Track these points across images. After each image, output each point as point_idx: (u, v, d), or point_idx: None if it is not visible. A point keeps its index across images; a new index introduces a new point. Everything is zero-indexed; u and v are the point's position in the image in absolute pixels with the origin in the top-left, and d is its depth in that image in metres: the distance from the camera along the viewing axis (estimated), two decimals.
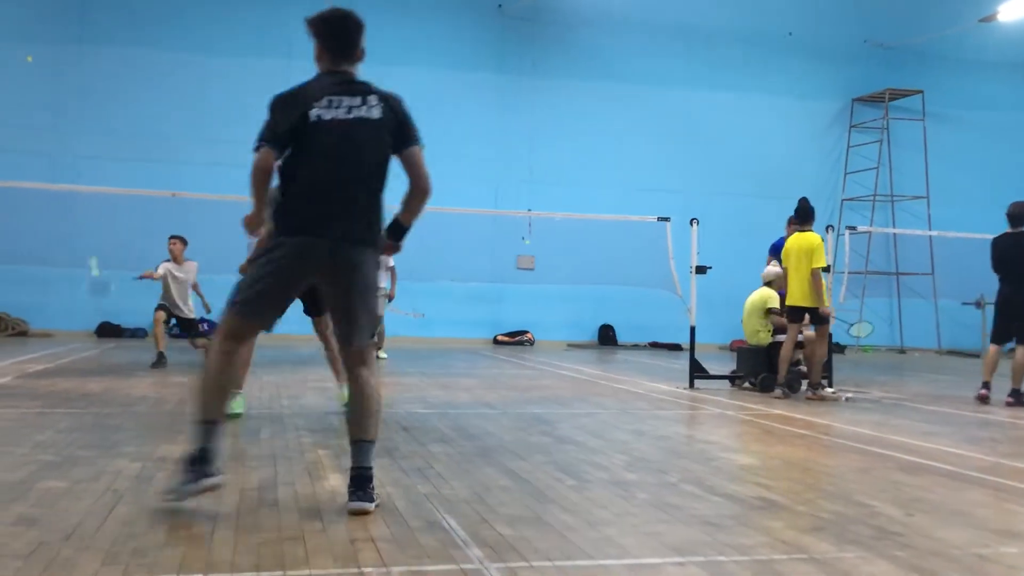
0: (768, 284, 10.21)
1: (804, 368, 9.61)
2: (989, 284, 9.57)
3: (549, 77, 19.39)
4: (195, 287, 11.25)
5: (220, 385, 3.90)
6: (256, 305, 3.90)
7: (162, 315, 10.92)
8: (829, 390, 9.40)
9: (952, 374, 13.92)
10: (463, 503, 4.12)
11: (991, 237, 9.63)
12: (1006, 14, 19.19)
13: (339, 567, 3.13)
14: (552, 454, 5.51)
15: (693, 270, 10.39)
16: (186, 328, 11.24)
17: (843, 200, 20.56)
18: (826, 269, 9.44)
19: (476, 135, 18.77)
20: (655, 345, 18.99)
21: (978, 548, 3.63)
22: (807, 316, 9.22)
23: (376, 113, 4.06)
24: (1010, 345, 9.13)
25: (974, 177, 20.83)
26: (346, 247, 3.86)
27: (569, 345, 18.65)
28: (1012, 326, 9.11)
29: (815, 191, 11.21)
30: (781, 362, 9.29)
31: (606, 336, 19.30)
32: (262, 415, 6.82)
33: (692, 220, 10.64)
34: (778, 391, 9.26)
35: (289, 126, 3.88)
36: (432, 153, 16.98)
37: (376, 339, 13.25)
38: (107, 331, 16.78)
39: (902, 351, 19.69)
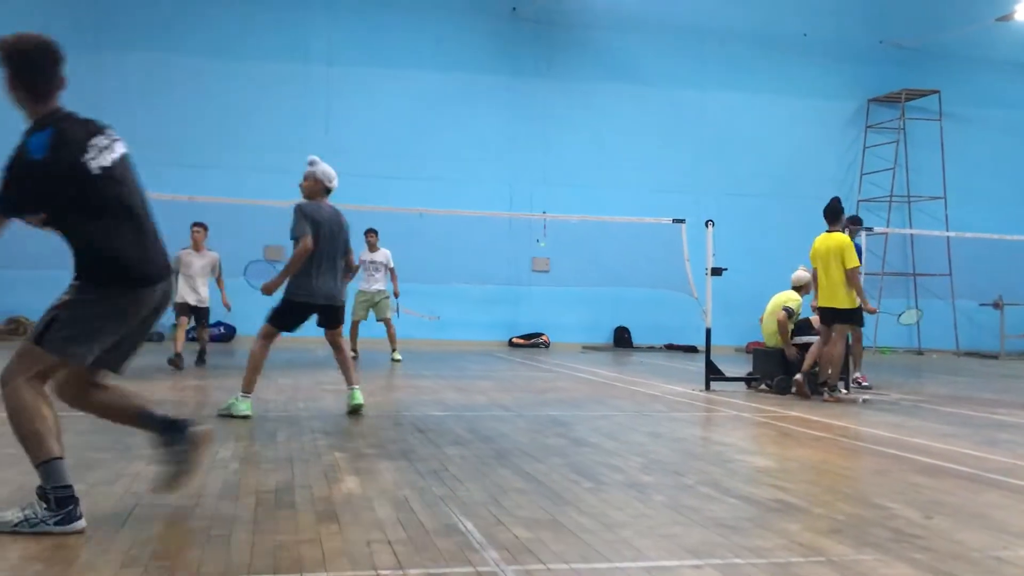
0: (797, 289, 10.14)
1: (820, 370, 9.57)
2: (1007, 285, 9.51)
3: (563, 79, 19.39)
4: (219, 282, 11.44)
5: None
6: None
7: (185, 320, 11.14)
8: (844, 391, 9.35)
9: (970, 376, 13.81)
10: (479, 505, 4.12)
11: (1010, 237, 9.55)
12: (1023, 13, 19.05)
13: (356, 570, 3.14)
14: (568, 456, 5.51)
15: (709, 272, 10.36)
16: (196, 316, 11.38)
17: (859, 201, 20.44)
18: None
19: (490, 138, 18.78)
20: (671, 347, 18.94)
21: (997, 551, 3.61)
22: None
23: None
24: None
25: (991, 177, 20.67)
26: None
27: (585, 347, 18.63)
28: None
29: (831, 192, 11.14)
30: (826, 363, 9.13)
31: (621, 338, 19.27)
32: (279, 418, 6.85)
33: (707, 222, 10.61)
34: (836, 393, 9.07)
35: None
36: (446, 156, 17.20)
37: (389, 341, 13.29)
38: None
39: (920, 352, 19.56)
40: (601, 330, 19.32)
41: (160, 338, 13.58)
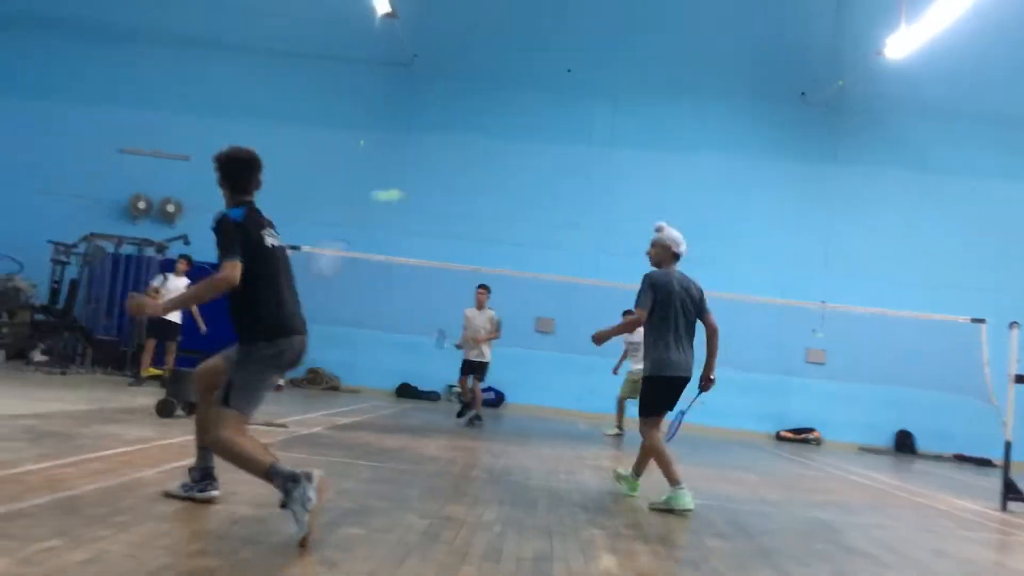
0: None
1: None
2: None
3: (851, 165, 18.65)
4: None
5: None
6: None
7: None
8: None
9: None
10: None
11: None
12: None
13: None
14: (837, 564, 5.15)
15: (1012, 378, 9.37)
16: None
17: None
18: None
19: (771, 222, 18.38)
20: (960, 458, 17.23)
21: None
22: None
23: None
24: None
25: None
26: None
27: (861, 448, 17.40)
28: None
29: None
30: None
31: (903, 442, 17.81)
32: (539, 487, 6.98)
33: (1012, 324, 9.65)
34: None
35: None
36: (723, 239, 17.01)
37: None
38: (405, 392, 18.07)
39: None
40: (880, 432, 17.99)
41: None
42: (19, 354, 15.16)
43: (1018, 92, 18.37)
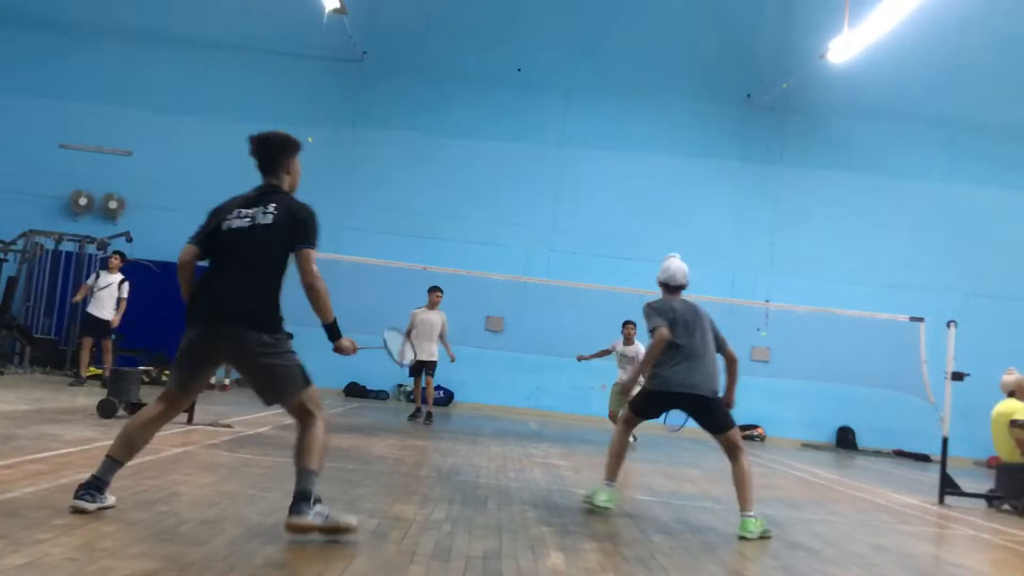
0: (1011, 395, 9.40)
1: None
2: None
3: (796, 166, 18.98)
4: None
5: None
6: None
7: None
8: None
9: None
10: None
11: None
12: None
13: None
14: (782, 559, 5.24)
15: (949, 376, 9.63)
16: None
17: None
18: None
19: (716, 222, 18.62)
20: (900, 453, 17.64)
21: None
22: None
23: (269, 219, 4.53)
24: None
25: None
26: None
27: (803, 445, 17.72)
28: None
29: None
30: None
31: (845, 439, 18.18)
32: (488, 485, 6.99)
33: (949, 322, 9.91)
34: None
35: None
36: (669, 239, 17.23)
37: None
38: (354, 391, 17.94)
39: None
40: (822, 428, 18.35)
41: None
42: None
43: (957, 95, 18.84)
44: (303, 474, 4.37)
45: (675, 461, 11.24)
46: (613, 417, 12.88)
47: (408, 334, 12.01)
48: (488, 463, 8.45)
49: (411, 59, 19.09)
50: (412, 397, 14.06)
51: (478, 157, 18.81)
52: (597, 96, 19.14)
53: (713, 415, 6.28)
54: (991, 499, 9.41)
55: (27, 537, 3.74)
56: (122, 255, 13.74)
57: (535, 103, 19.06)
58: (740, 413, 21.73)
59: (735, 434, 6.20)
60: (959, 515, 8.54)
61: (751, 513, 5.81)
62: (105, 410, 8.68)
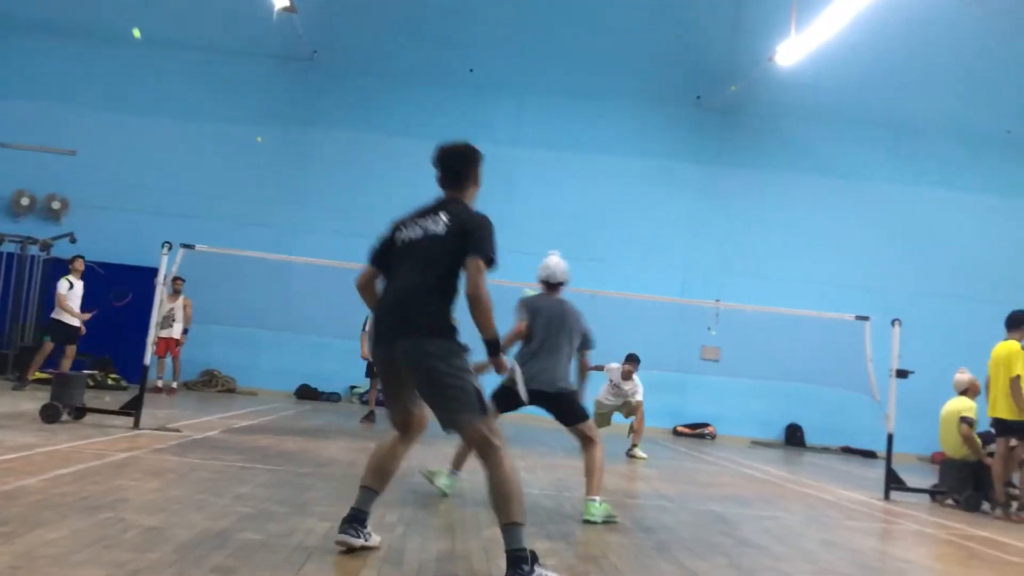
0: (963, 393, 9.66)
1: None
2: None
3: (746, 167, 19.20)
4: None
5: None
6: None
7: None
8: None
9: None
10: None
11: None
12: None
13: None
14: (732, 557, 5.30)
15: (893, 374, 9.82)
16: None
17: None
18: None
19: (667, 223, 18.76)
20: (847, 450, 17.96)
21: None
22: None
23: (441, 228, 4.48)
24: None
25: None
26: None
27: (753, 442, 17.95)
28: None
29: None
30: (995, 480, 8.62)
31: (793, 436, 18.45)
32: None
33: (894, 321, 10.11)
34: (998, 511, 8.56)
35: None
36: (621, 239, 17.19)
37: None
38: (305, 393, 17.75)
39: None
40: (772, 426, 18.60)
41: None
42: None
43: (902, 99, 19.21)
44: (508, 531, 3.94)
45: (627, 460, 11.30)
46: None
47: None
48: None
49: (362, 58, 18.95)
50: (366, 399, 13.96)
51: (430, 157, 18.71)
52: (549, 97, 19.19)
53: (563, 409, 6.54)
54: (935, 494, 9.62)
55: None
56: (82, 258, 13.53)
57: (487, 103, 19.04)
58: (691, 412, 21.91)
59: (586, 427, 6.48)
60: (904, 510, 8.72)
61: (596, 498, 6.08)
62: (48, 415, 8.48)
